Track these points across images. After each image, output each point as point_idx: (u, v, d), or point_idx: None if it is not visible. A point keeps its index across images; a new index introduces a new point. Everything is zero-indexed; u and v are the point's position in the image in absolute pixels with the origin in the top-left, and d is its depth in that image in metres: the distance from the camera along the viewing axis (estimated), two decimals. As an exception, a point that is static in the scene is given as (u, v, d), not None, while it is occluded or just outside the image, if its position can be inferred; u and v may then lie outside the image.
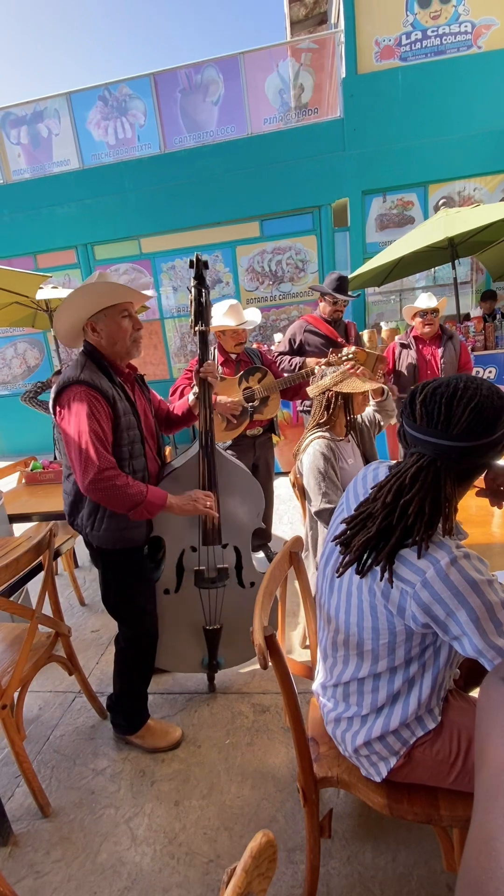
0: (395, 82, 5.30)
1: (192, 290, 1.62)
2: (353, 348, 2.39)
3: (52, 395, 1.46)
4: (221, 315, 2.41)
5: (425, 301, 3.02)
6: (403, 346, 3.15)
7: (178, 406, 1.79)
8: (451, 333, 3.10)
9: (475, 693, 1.25)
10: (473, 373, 3.77)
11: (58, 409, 1.42)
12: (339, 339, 2.87)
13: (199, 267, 1.62)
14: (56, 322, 1.46)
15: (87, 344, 1.49)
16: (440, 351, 3.02)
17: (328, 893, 1.16)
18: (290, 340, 2.93)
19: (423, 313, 3.00)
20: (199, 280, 1.62)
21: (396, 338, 3.28)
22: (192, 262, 1.63)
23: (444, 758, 0.92)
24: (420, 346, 3.10)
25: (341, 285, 2.86)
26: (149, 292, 1.57)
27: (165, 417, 1.78)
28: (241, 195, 5.76)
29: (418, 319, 3.05)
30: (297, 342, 2.89)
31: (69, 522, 1.55)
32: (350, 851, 1.24)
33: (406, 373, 3.10)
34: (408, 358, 3.10)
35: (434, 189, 5.55)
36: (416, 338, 3.11)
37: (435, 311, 3.00)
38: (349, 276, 4.35)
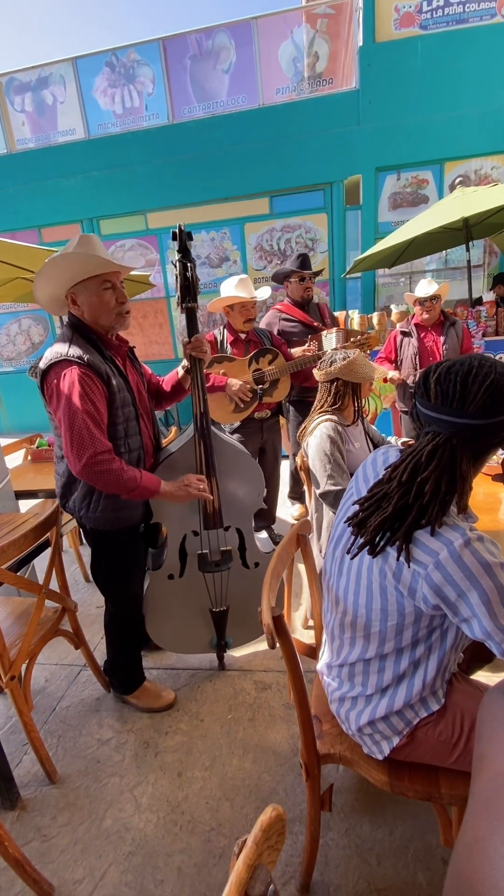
0: (415, 52, 5.08)
1: (177, 264, 1.51)
2: (339, 331, 2.35)
3: (38, 372, 1.35)
4: (232, 288, 2.36)
5: (424, 288, 2.93)
6: (405, 334, 3.08)
7: (165, 380, 1.71)
8: (454, 320, 3.03)
9: (478, 676, 1.26)
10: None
11: (46, 388, 1.33)
12: (316, 324, 2.77)
13: (183, 238, 1.51)
14: (35, 291, 1.35)
15: (72, 316, 1.39)
16: (442, 339, 2.96)
17: (326, 863, 1.19)
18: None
19: (423, 300, 2.93)
20: (184, 253, 1.51)
21: (398, 325, 3.21)
22: (174, 233, 1.51)
23: (446, 739, 0.94)
24: (421, 334, 3.03)
25: (304, 261, 2.76)
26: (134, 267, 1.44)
27: (156, 392, 1.71)
28: (251, 170, 5.60)
29: (418, 307, 2.98)
30: (277, 332, 2.75)
31: (61, 505, 1.51)
32: (348, 824, 1.28)
33: (409, 363, 3.05)
34: (409, 347, 3.04)
35: (450, 167, 5.37)
36: (417, 325, 3.05)
37: (435, 297, 2.92)
38: (359, 257, 4.26)
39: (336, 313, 3.95)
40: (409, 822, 1.27)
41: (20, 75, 6.11)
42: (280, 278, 2.85)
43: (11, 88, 6.18)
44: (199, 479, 1.51)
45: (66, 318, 1.45)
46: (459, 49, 5.01)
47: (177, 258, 1.52)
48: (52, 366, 1.31)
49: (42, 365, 1.33)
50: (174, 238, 1.52)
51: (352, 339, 2.27)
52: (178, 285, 1.53)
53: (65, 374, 1.28)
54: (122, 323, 1.41)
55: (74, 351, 1.30)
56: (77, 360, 1.29)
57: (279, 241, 5.89)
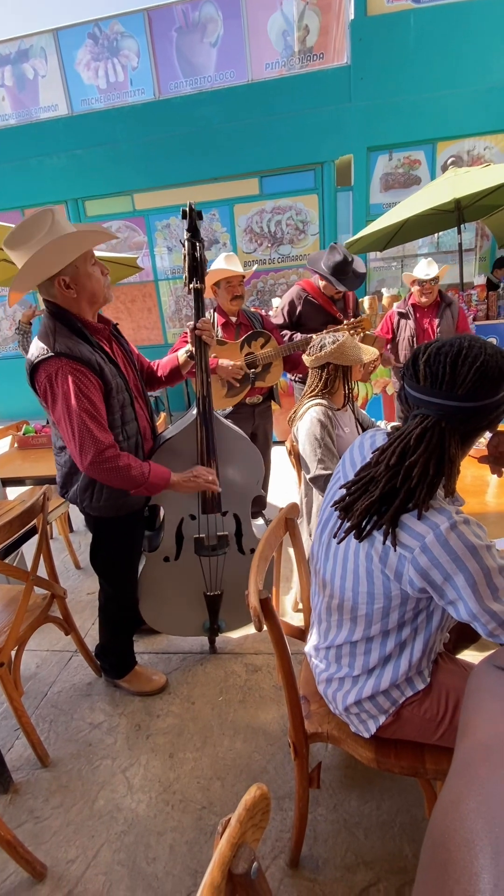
0: (407, 26, 4.94)
1: (186, 243, 1.50)
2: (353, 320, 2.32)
3: (27, 369, 1.30)
4: (220, 262, 2.32)
5: (423, 269, 2.92)
6: (402, 315, 3.07)
7: (162, 364, 1.67)
8: (450, 300, 3.03)
9: (463, 655, 1.28)
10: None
11: (37, 386, 1.28)
12: (338, 315, 2.62)
13: (193, 217, 1.49)
14: (25, 281, 1.23)
15: (50, 304, 1.31)
16: (437, 321, 2.96)
17: (315, 838, 1.22)
18: (288, 312, 2.59)
19: (422, 282, 2.92)
20: (193, 232, 1.50)
21: (395, 306, 3.20)
22: (184, 211, 1.50)
23: (431, 716, 0.95)
24: (418, 315, 3.03)
25: (343, 269, 2.37)
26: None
27: (149, 377, 1.67)
28: (240, 149, 5.47)
29: (416, 287, 2.97)
30: (297, 313, 2.59)
31: (61, 495, 1.51)
32: (336, 800, 1.30)
33: (405, 344, 3.04)
34: (406, 329, 3.04)
35: (443, 147, 5.29)
36: (414, 306, 3.04)
37: (434, 279, 2.91)
38: (350, 240, 4.20)
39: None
40: (395, 796, 1.30)
41: (-1, 47, 5.87)
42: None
43: (-10, 61, 5.93)
44: (207, 471, 1.51)
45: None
46: (454, 23, 4.89)
47: (185, 237, 1.50)
48: (40, 363, 1.25)
49: (30, 363, 1.27)
50: (183, 216, 1.51)
51: (344, 323, 2.25)
52: (186, 265, 1.52)
53: (56, 373, 1.24)
54: (110, 293, 1.38)
55: (61, 345, 1.24)
56: (66, 355, 1.24)
57: (269, 222, 5.79)
